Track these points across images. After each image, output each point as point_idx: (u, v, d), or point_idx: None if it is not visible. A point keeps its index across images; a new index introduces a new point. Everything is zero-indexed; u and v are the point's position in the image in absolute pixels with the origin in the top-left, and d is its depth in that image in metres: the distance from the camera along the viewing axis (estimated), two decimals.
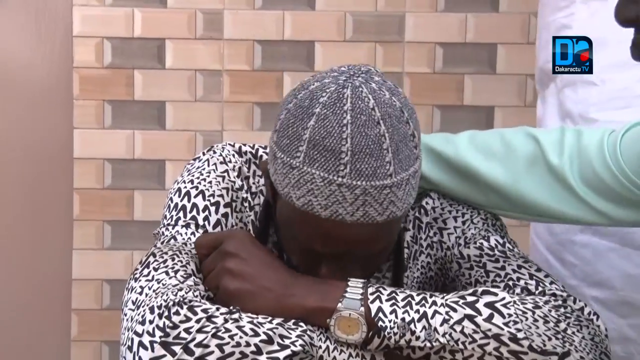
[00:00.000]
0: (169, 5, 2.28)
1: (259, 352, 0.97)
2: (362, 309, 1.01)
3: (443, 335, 1.00)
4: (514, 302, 1.03)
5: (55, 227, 2.37)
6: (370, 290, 1.04)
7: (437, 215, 1.23)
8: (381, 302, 1.02)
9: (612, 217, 1.17)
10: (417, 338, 1.00)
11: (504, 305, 1.02)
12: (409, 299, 1.03)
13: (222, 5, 2.27)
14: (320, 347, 1.02)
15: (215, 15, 2.27)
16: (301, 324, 1.02)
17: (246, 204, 1.21)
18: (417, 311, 1.02)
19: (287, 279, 1.06)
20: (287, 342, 0.98)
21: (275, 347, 0.97)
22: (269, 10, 2.26)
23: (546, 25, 1.66)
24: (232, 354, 0.96)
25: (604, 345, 1.06)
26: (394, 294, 1.04)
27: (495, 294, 1.04)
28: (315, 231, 1.04)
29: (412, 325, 1.01)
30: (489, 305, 1.02)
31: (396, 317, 1.01)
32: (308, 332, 1.01)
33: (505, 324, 1.00)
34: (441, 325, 1.01)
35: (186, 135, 2.31)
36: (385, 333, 1.01)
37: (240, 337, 0.97)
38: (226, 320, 0.98)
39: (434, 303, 1.03)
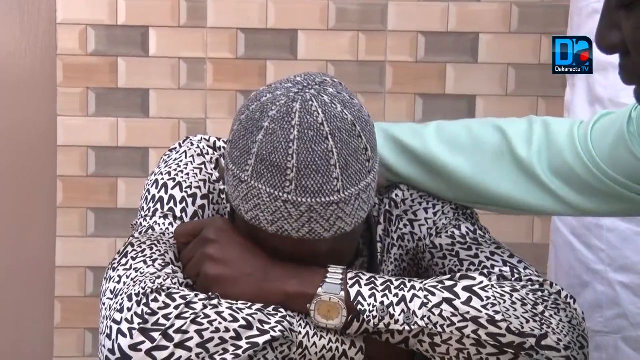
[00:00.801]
0: None
1: (238, 337, 0.98)
2: (342, 293, 1.02)
3: (422, 319, 1.01)
4: (492, 285, 1.05)
5: (39, 215, 2.37)
6: (349, 275, 1.05)
7: (407, 208, 1.24)
8: (360, 286, 1.04)
9: (580, 208, 1.18)
10: (396, 322, 1.02)
11: (482, 289, 1.04)
12: (388, 283, 1.05)
13: None
14: (300, 332, 1.03)
15: (198, 4, 2.27)
16: (281, 310, 1.02)
17: (223, 196, 1.21)
18: (396, 295, 1.03)
19: (267, 264, 1.06)
20: (266, 327, 0.99)
21: (255, 332, 0.99)
22: None
23: (578, 10, 1.68)
24: (211, 339, 0.97)
25: (581, 328, 1.08)
26: (373, 279, 1.05)
27: (474, 278, 1.06)
28: (265, 243, 1.05)
29: (390, 309, 1.02)
30: (467, 289, 1.03)
31: (375, 300, 1.02)
32: (288, 318, 1.02)
33: (484, 307, 1.02)
34: (420, 308, 1.02)
35: (170, 123, 2.31)
36: (364, 317, 1.02)
37: (220, 323, 0.98)
38: (205, 307, 0.99)
39: (413, 287, 1.04)
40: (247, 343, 0.98)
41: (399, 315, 1.02)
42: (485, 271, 1.13)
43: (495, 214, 1.29)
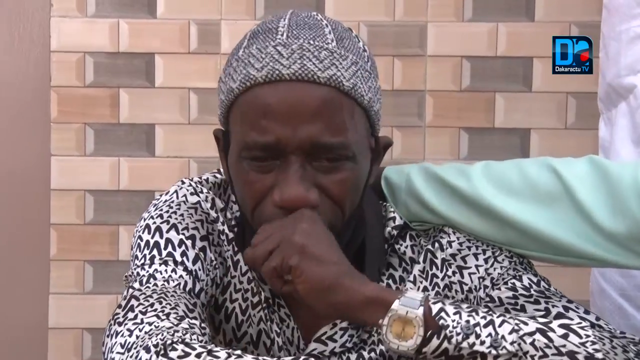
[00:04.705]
0: (159, 15, 2.30)
1: None
2: (421, 309, 1.03)
3: (511, 344, 1.02)
4: (591, 327, 1.06)
5: (30, 269, 2.36)
6: (431, 295, 1.13)
7: (455, 252, 1.24)
8: (444, 304, 1.05)
9: None
10: (482, 343, 1.02)
11: (581, 328, 1.04)
12: (475, 308, 1.07)
13: (219, 15, 2.30)
14: None
15: (211, 27, 2.30)
16: None
17: (224, 237, 1.24)
18: (484, 317, 1.04)
19: (352, 266, 1.11)
20: None
21: None
22: None
23: (616, 35, 1.66)
24: None
25: None
26: (458, 303, 1.08)
27: (571, 319, 1.08)
28: (256, 113, 1.10)
29: (477, 329, 1.03)
30: (563, 326, 1.04)
31: (460, 318, 1.04)
32: None
33: (582, 344, 1.02)
34: (510, 333, 1.02)
35: (178, 162, 2.32)
36: (447, 332, 1.02)
37: None
38: (229, 355, 0.98)
39: (503, 315, 1.05)
40: None
41: (486, 336, 1.02)
42: None
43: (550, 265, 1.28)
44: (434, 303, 1.05)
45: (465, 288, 1.23)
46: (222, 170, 1.28)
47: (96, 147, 2.32)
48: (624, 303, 1.62)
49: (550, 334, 1.02)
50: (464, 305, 1.06)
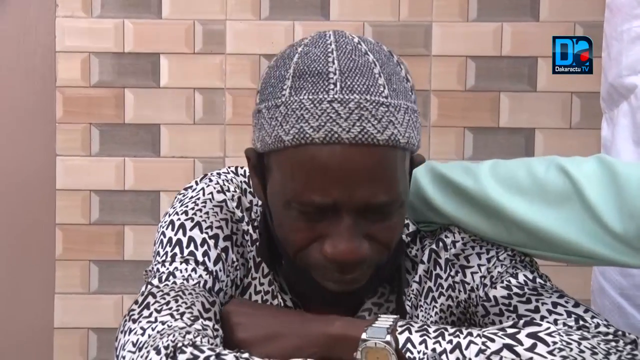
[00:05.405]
0: (164, 15, 2.30)
1: None
2: (390, 337, 1.04)
3: None
4: (559, 332, 1.05)
5: (35, 269, 2.35)
6: (400, 322, 1.08)
7: (459, 252, 1.24)
8: (410, 333, 1.06)
9: None
10: None
11: (548, 335, 1.04)
12: (442, 330, 1.06)
13: (224, 15, 2.29)
14: None
15: (216, 27, 2.29)
16: None
17: (247, 238, 1.23)
18: (450, 342, 1.04)
19: (304, 315, 1.11)
20: None
21: None
22: (277, 21, 2.29)
23: (618, 35, 1.66)
24: None
25: None
26: (425, 326, 1.07)
27: (539, 324, 1.07)
28: (311, 172, 1.06)
29: (443, 356, 1.03)
30: (531, 335, 1.04)
31: (426, 347, 1.04)
32: None
33: (550, 352, 1.02)
34: (477, 355, 1.03)
35: (184, 162, 2.32)
36: None
37: None
38: (237, 358, 0.99)
39: (470, 334, 1.05)
40: None
41: None
42: None
43: (571, 266, 1.29)
44: (401, 332, 1.05)
45: (468, 287, 1.22)
46: (254, 190, 1.24)
47: (101, 147, 2.31)
48: (623, 302, 1.62)
49: (518, 348, 1.02)
50: (431, 329, 1.07)
